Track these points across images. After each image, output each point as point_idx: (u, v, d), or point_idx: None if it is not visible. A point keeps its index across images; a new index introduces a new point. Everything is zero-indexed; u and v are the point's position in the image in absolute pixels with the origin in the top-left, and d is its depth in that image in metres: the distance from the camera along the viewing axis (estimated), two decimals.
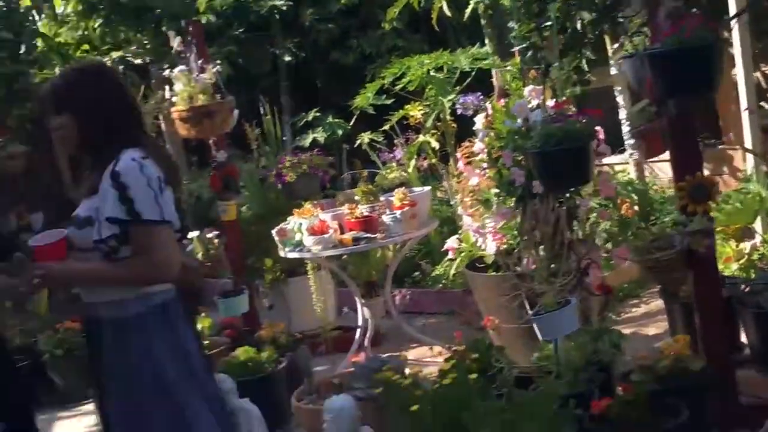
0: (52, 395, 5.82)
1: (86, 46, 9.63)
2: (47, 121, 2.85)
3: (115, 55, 9.13)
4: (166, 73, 5.26)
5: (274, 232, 5.18)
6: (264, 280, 5.60)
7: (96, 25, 9.53)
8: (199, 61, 5.23)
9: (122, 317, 2.80)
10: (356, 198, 5.06)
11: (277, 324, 5.08)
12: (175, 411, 2.80)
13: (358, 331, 5.21)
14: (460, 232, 5.33)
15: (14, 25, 8.30)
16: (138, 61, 8.97)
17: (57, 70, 9.00)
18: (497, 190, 4.56)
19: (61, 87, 2.84)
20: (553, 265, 3.74)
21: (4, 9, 8.39)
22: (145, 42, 9.27)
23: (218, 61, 5.82)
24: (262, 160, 6.59)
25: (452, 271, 6.16)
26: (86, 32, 9.59)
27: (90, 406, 5.28)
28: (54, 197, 9.29)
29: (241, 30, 8.50)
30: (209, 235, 5.64)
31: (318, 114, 8.46)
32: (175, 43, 5.41)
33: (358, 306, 5.19)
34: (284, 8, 8.47)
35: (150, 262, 2.74)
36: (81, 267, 2.83)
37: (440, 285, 6.19)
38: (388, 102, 7.43)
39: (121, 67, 8.81)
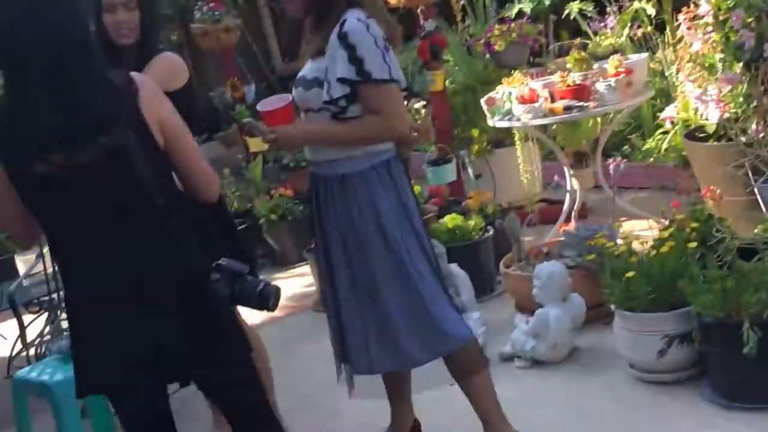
0: (268, 257, 6.17)
1: None
2: None
3: None
4: None
5: (482, 101, 5.13)
6: (470, 151, 5.60)
7: None
8: None
9: (348, 174, 2.89)
10: (568, 66, 4.91)
11: (483, 193, 5.10)
12: (399, 263, 2.89)
13: (566, 202, 5.14)
14: (676, 103, 5.08)
15: None
16: None
17: None
18: (722, 55, 4.30)
19: None
20: None
21: None
22: None
23: None
24: (469, 30, 6.49)
25: (664, 145, 5.94)
26: None
27: (305, 268, 5.54)
28: (264, 70, 9.66)
29: None
30: (416, 106, 5.69)
31: None
32: None
33: (567, 177, 5.10)
34: None
35: (381, 120, 2.80)
36: (312, 128, 2.92)
37: (650, 159, 5.99)
38: None
39: None
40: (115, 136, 2.17)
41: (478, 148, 5.53)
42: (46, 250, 4.55)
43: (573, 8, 7.16)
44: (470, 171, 5.71)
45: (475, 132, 5.57)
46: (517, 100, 4.82)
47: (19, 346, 4.94)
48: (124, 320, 2.27)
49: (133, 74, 2.28)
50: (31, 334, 4.90)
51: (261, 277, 2.52)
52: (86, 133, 2.17)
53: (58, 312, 4.40)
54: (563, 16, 7.37)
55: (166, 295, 2.27)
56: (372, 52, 2.75)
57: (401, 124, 2.87)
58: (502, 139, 5.73)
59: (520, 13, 7.86)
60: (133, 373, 2.31)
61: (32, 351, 4.79)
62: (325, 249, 3.02)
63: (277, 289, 2.37)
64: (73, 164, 2.17)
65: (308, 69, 2.91)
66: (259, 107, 2.98)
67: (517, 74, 5.11)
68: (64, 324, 4.53)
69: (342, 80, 2.77)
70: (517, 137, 5.37)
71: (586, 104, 4.64)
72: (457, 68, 6.44)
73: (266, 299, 2.33)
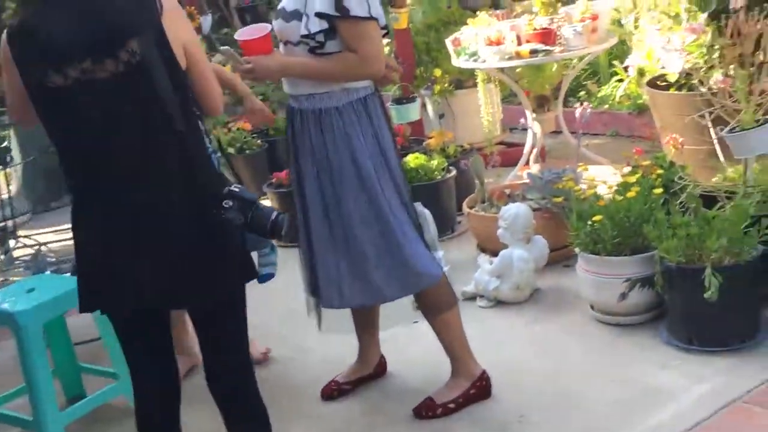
0: None
1: None
2: None
3: None
4: None
5: (448, 41, 5.12)
6: (432, 91, 5.59)
7: None
8: None
9: (325, 108, 2.88)
10: (534, 9, 4.92)
11: (445, 133, 5.11)
12: (372, 199, 2.91)
13: (527, 144, 5.19)
14: (641, 51, 5.12)
15: None
16: None
17: None
18: (687, 5, 4.35)
19: None
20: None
21: None
22: None
23: None
24: None
25: (619, 93, 6.02)
26: None
27: (265, 202, 5.50)
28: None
29: None
30: None
31: None
32: None
33: (528, 120, 5.14)
34: None
35: (358, 57, 2.79)
36: (289, 60, 2.89)
37: (606, 106, 6.07)
38: None
39: None
40: (136, 51, 2.13)
41: (440, 88, 5.52)
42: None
43: None
44: (430, 111, 5.72)
45: (438, 72, 5.56)
46: (484, 41, 4.81)
47: None
48: (133, 239, 2.25)
49: None
50: None
51: None
52: (105, 45, 2.13)
53: (12, 240, 4.33)
54: None
55: (180, 217, 2.24)
56: None
57: (378, 62, 2.85)
58: (464, 80, 5.73)
59: None
60: (138, 293, 2.28)
61: None
62: (299, 182, 3.02)
63: (290, 218, 2.37)
64: (92, 78, 2.14)
65: (289, 1, 2.87)
66: (236, 36, 2.94)
67: (482, 15, 5.10)
68: (17, 253, 4.49)
69: (320, 15, 2.75)
70: (479, 79, 5.38)
71: (551, 48, 4.66)
72: (419, 7, 6.40)
73: (279, 227, 2.32)
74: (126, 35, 2.14)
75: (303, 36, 2.79)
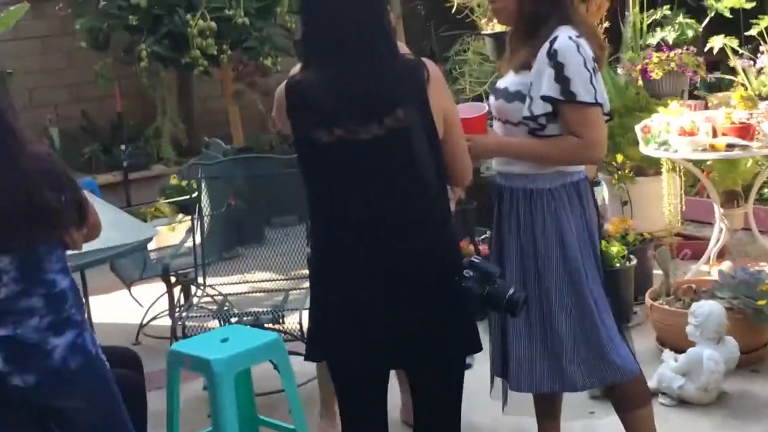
0: None
1: None
2: None
3: None
4: None
5: (637, 127, 5.06)
6: (613, 176, 5.52)
7: None
8: None
9: (536, 189, 2.88)
10: (732, 102, 4.81)
11: (625, 220, 5.03)
12: (576, 283, 2.87)
13: (712, 240, 5.03)
14: None
15: None
16: None
17: None
18: None
19: None
20: None
21: None
22: None
23: None
24: (622, 55, 6.40)
25: None
26: None
27: None
28: None
29: None
30: None
31: (668, 12, 8.05)
32: None
33: (716, 214, 4.99)
34: None
35: (580, 142, 2.77)
36: (508, 140, 2.91)
37: None
38: (748, 6, 6.92)
39: None
40: (400, 117, 2.23)
41: (622, 174, 5.45)
42: (197, 225, 4.65)
43: (714, 42, 7.01)
44: (606, 196, 5.64)
45: (620, 157, 5.49)
46: (675, 131, 4.73)
47: (151, 314, 5.08)
48: (372, 296, 2.33)
49: (425, 60, 2.34)
50: (164, 304, 5.03)
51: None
52: (373, 110, 2.25)
53: (202, 287, 4.49)
54: (706, 50, 7.23)
55: (421, 280, 2.31)
56: (579, 73, 2.71)
57: (601, 148, 2.83)
58: (645, 168, 5.64)
59: (662, 42, 7.76)
60: (369, 347, 2.36)
61: (159, 321, 4.92)
62: (500, 259, 3.01)
63: (526, 296, 2.38)
64: (355, 138, 2.26)
65: (511, 81, 2.89)
66: None
67: (674, 105, 5.03)
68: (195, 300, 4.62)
69: (545, 98, 2.75)
70: (665, 168, 5.27)
71: (749, 144, 4.54)
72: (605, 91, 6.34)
73: (514, 305, 2.33)
74: (394, 103, 2.25)
75: (525, 117, 2.81)
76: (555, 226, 2.87)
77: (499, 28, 5.62)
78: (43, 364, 2.32)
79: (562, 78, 2.71)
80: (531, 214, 2.90)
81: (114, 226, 3.49)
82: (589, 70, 2.72)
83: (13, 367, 2.30)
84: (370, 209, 2.33)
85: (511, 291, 2.35)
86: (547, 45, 2.75)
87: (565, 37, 2.74)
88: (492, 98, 3.00)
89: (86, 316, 2.45)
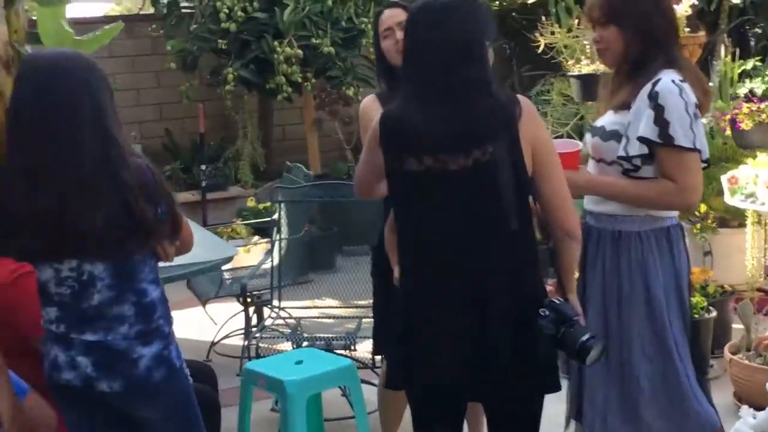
0: None
1: None
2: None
3: None
4: None
5: (724, 178, 4.97)
6: (694, 225, 5.43)
7: None
8: None
9: (625, 231, 2.84)
10: None
11: (707, 271, 4.94)
12: (659, 330, 2.83)
13: None
14: None
15: None
16: None
17: None
18: None
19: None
20: None
21: None
22: None
23: None
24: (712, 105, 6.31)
25: None
26: None
27: None
28: None
29: None
30: None
31: (759, 63, 7.93)
32: None
33: None
34: None
35: (676, 187, 2.73)
36: (600, 179, 2.88)
37: None
38: None
39: None
40: (488, 151, 2.26)
41: (705, 224, 5.35)
42: (275, 247, 4.70)
43: None
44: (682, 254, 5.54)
45: (704, 207, 5.40)
46: (763, 183, 4.63)
47: (223, 332, 5.14)
48: (452, 326, 2.37)
49: (519, 96, 2.37)
50: (236, 323, 5.08)
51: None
52: (463, 143, 2.29)
53: (276, 309, 4.52)
54: None
55: (497, 314, 2.32)
56: (680, 117, 2.68)
57: (696, 194, 2.79)
58: (728, 219, 5.53)
59: (750, 93, 7.64)
60: (452, 379, 2.39)
61: (229, 339, 4.96)
62: (583, 300, 2.97)
63: (601, 345, 2.35)
64: (443, 168, 2.30)
65: (609, 120, 2.87)
66: None
67: (763, 157, 4.93)
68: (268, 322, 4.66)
69: (642, 139, 2.72)
70: (749, 220, 5.16)
71: None
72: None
73: (586, 351, 2.31)
74: (483, 137, 2.28)
75: (619, 157, 2.78)
76: (641, 271, 2.82)
77: (585, 70, 5.60)
78: (128, 373, 2.35)
79: (661, 120, 2.68)
80: (617, 257, 2.86)
81: (197, 242, 3.55)
82: (690, 115, 2.69)
83: (101, 372, 2.34)
84: (454, 239, 2.36)
85: (586, 337, 2.33)
86: (649, 86, 2.72)
87: (668, 79, 2.71)
88: (588, 136, 2.98)
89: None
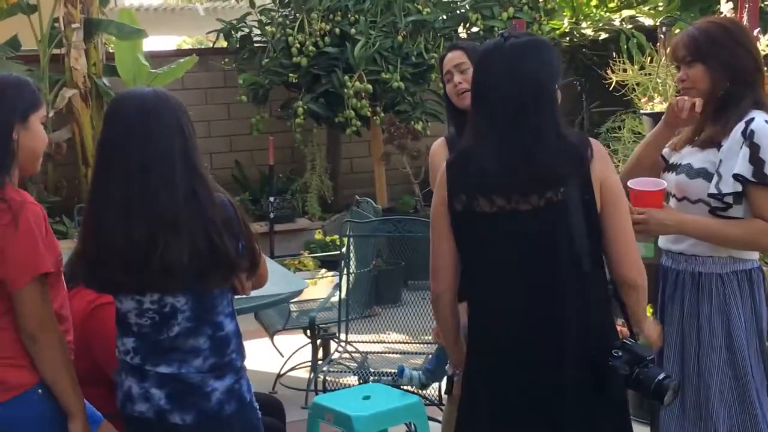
0: None
1: (595, 1, 9.76)
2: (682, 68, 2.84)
3: (626, 13, 9.15)
4: None
5: None
6: None
7: None
8: (756, 31, 4.99)
9: (706, 272, 2.80)
10: None
11: None
12: (740, 376, 2.76)
13: None
14: None
15: None
16: (649, 21, 8.91)
17: (566, 22, 9.27)
18: None
19: (701, 38, 2.78)
20: None
21: None
22: (660, 3, 9.16)
23: None
24: None
25: None
26: None
27: None
28: None
29: (766, 2, 8.01)
30: None
31: None
32: (726, 8, 5.24)
33: None
34: None
35: (767, 227, 2.68)
36: (688, 217, 2.81)
37: None
38: None
39: (629, 27, 8.83)
40: (561, 192, 2.25)
41: None
42: (343, 281, 4.72)
43: None
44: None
45: None
46: None
47: (289, 365, 5.16)
48: (519, 369, 2.34)
49: (591, 139, 2.35)
50: (302, 356, 5.09)
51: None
52: (536, 184, 2.27)
53: (343, 343, 4.53)
54: None
55: (567, 354, 2.29)
56: None
57: None
58: None
59: None
60: (521, 419, 2.36)
61: (295, 372, 4.97)
62: (663, 340, 2.91)
63: (677, 384, 2.31)
64: (515, 209, 2.29)
65: (696, 158, 2.82)
66: (630, 184, 2.91)
67: None
68: (335, 355, 4.66)
69: (738, 177, 2.67)
70: None
71: None
72: None
73: (662, 391, 2.27)
74: (556, 178, 2.26)
75: (710, 195, 2.73)
76: (722, 313, 2.76)
77: (658, 108, 5.53)
78: (201, 406, 2.37)
79: (756, 159, 2.65)
80: (697, 299, 2.80)
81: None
82: None
83: (174, 404, 2.36)
84: (524, 278, 2.33)
85: (662, 376, 2.29)
86: (742, 125, 2.69)
87: (762, 119, 2.69)
88: (670, 174, 2.91)
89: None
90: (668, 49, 2.93)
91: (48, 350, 2.35)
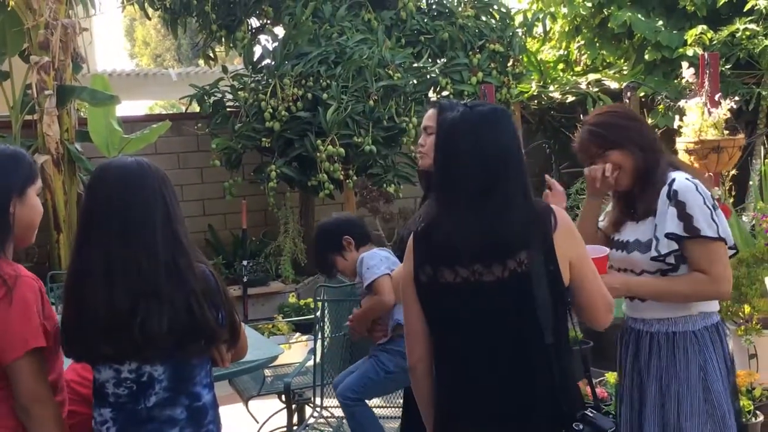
0: None
1: (562, 65, 9.97)
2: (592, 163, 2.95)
3: (592, 77, 9.36)
4: (681, 102, 5.25)
5: (767, 279, 4.96)
6: (738, 327, 5.37)
7: (576, 46, 9.84)
8: (717, 96, 5.15)
9: (680, 332, 2.87)
10: None
11: (753, 373, 4.87)
12: (719, 428, 2.82)
13: None
14: None
15: (505, 40, 8.80)
16: (614, 85, 9.11)
17: (533, 85, 9.46)
18: None
19: (604, 130, 2.92)
20: None
21: (500, 26, 8.94)
22: (624, 67, 9.38)
23: (736, 98, 5.69)
24: (752, 205, 6.34)
25: None
26: (566, 51, 9.93)
27: None
28: None
29: (727, 66, 8.25)
30: None
31: None
32: (688, 73, 5.39)
33: None
34: None
35: (707, 279, 2.78)
36: (635, 279, 2.91)
37: None
38: None
39: (595, 90, 9.03)
40: (524, 264, 2.25)
41: (749, 326, 5.30)
42: (318, 345, 4.72)
43: None
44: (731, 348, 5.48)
45: (748, 309, 5.36)
46: None
47: (264, 430, 5.12)
48: None
49: (554, 207, 2.35)
50: (277, 421, 5.07)
51: None
52: (498, 255, 2.26)
53: (318, 408, 4.52)
54: None
55: (532, 424, 2.28)
56: (701, 210, 2.78)
57: (726, 284, 2.82)
58: None
59: None
60: None
61: None
62: (640, 409, 2.95)
63: None
64: (479, 280, 2.28)
65: (635, 232, 2.93)
66: None
67: None
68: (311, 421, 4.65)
69: (670, 235, 2.79)
70: None
71: None
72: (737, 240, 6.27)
73: None
74: (518, 247, 2.25)
75: (653, 258, 2.83)
76: (699, 368, 2.84)
77: None
78: None
79: (684, 215, 2.78)
80: (675, 358, 2.86)
81: None
82: (709, 207, 2.79)
83: None
84: (487, 352, 2.31)
85: None
86: (666, 188, 2.83)
87: (682, 178, 2.84)
88: (615, 251, 2.98)
89: None
90: (577, 152, 3.04)
91: (40, 424, 2.34)
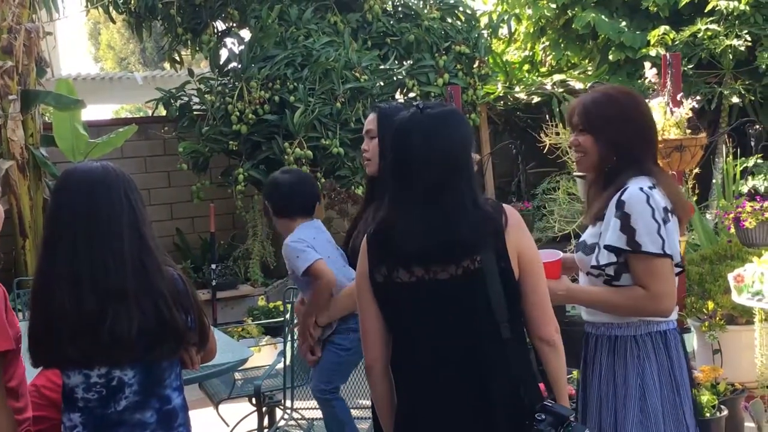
0: None
1: (527, 66, 10.05)
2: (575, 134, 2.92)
3: (557, 77, 9.44)
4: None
5: (730, 276, 5.03)
6: (702, 324, 5.46)
7: (541, 47, 9.92)
8: (679, 95, 5.21)
9: (621, 336, 2.85)
10: None
11: (717, 369, 4.94)
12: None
13: None
14: None
15: (471, 41, 8.85)
16: (579, 85, 9.20)
17: (499, 86, 9.52)
18: None
19: (593, 111, 2.84)
20: None
21: (466, 27, 8.99)
22: (589, 67, 9.47)
23: (698, 97, 5.76)
24: (715, 203, 6.44)
25: None
26: (532, 52, 10.01)
27: None
28: None
29: (690, 66, 8.36)
30: None
31: (760, 161, 8.10)
32: (650, 73, 5.45)
33: None
34: (741, 49, 8.22)
35: (646, 295, 2.73)
36: (575, 287, 2.91)
37: None
38: None
39: (560, 90, 9.11)
40: (477, 261, 2.28)
41: (713, 322, 5.38)
42: (287, 348, 4.74)
43: None
44: (695, 343, 5.57)
45: (711, 305, 5.44)
46: None
47: None
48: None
49: (505, 206, 2.39)
50: (248, 424, 5.07)
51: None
52: (452, 253, 2.30)
53: (288, 410, 4.53)
54: None
55: (495, 424, 2.30)
56: (646, 224, 2.69)
57: (669, 301, 2.76)
58: (736, 316, 5.56)
59: (754, 190, 7.77)
60: None
61: None
62: (584, 409, 2.97)
63: None
64: (433, 278, 2.30)
65: (588, 233, 2.91)
66: None
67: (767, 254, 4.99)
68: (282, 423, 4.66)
69: (609, 247, 2.74)
70: (757, 317, 5.20)
71: None
72: (695, 238, 6.37)
73: None
74: (471, 245, 2.29)
75: (593, 267, 2.81)
76: (636, 373, 2.82)
77: None
78: None
79: (627, 228, 2.71)
80: (614, 362, 2.86)
81: None
82: (657, 221, 2.70)
83: None
84: (444, 350, 2.34)
85: None
86: (617, 195, 2.76)
87: (635, 187, 2.74)
88: (575, 251, 3.02)
89: None
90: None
91: None
